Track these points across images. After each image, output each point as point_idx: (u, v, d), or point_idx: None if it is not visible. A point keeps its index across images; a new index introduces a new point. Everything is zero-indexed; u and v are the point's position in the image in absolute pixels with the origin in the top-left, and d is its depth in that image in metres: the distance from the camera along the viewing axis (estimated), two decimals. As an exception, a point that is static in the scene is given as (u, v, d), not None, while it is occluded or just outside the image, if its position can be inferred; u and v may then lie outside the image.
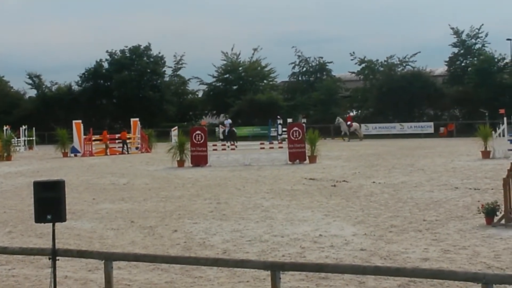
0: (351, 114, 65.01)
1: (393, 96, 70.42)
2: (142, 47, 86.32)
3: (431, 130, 66.71)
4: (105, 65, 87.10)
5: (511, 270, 11.27)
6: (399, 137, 64.47)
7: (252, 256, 13.05)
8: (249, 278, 11.35)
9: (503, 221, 15.07)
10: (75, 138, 48.72)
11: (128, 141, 52.31)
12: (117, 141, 51.89)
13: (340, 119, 62.72)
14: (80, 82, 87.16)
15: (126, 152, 49.69)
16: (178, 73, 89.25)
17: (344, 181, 25.55)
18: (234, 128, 56.97)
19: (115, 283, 9.94)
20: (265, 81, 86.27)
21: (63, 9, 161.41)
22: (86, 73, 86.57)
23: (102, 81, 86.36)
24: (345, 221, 16.68)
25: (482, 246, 13.24)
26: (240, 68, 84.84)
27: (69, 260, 12.42)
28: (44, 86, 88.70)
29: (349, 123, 61.41)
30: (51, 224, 9.51)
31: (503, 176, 15.46)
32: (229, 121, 59.61)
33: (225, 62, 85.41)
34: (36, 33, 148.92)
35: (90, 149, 48.12)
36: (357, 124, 62.61)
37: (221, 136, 60.08)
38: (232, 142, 46.70)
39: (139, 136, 52.16)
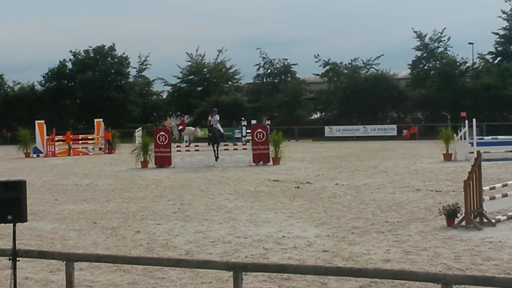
0: (185, 118, 61.50)
1: (357, 99, 70.88)
2: (106, 47, 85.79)
3: (394, 133, 67.23)
4: (69, 65, 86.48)
5: (471, 271, 11.40)
6: (363, 139, 64.86)
7: (215, 257, 13.05)
8: (212, 279, 11.35)
9: (463, 223, 15.24)
10: (38, 138, 48.29)
11: (91, 141, 52.05)
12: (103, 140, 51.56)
13: (172, 123, 60.95)
14: (43, 82, 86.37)
15: (110, 152, 49.66)
16: (142, 74, 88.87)
17: (307, 182, 25.65)
18: (219, 127, 36.80)
19: (76, 284, 9.88)
20: (229, 83, 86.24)
21: (25, 7, 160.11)
22: (49, 73, 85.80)
23: (65, 81, 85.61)
24: (308, 223, 16.74)
25: (443, 248, 13.38)
26: (204, 70, 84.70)
27: (30, 261, 12.32)
28: (6, 86, 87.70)
29: (181, 127, 58.32)
30: (11, 224, 9.43)
31: (464, 178, 15.63)
32: (216, 117, 37.46)
33: (189, 63, 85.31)
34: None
35: (53, 150, 47.74)
36: (192, 128, 58.78)
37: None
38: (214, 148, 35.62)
39: (102, 136, 51.83)
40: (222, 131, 37.01)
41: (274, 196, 21.98)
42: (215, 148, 35.49)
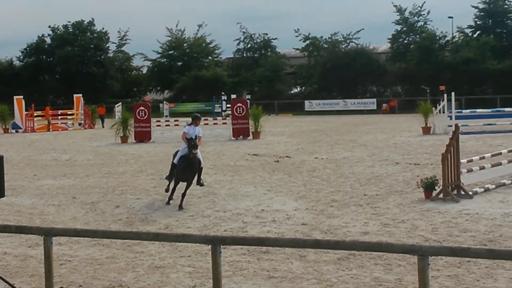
0: None
1: (337, 73, 70.93)
2: (85, 22, 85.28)
3: (374, 107, 67.42)
4: (48, 40, 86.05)
5: (448, 243, 11.52)
6: (343, 113, 65.04)
7: (194, 231, 13.09)
8: (191, 252, 11.39)
9: (441, 195, 15.37)
10: (16, 114, 48.00)
11: (70, 117, 51.85)
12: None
13: None
14: (21, 57, 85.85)
15: (102, 127, 49.40)
16: (122, 49, 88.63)
17: (287, 156, 25.71)
18: (199, 156, 16.89)
19: (55, 259, 9.87)
20: (209, 58, 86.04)
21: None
22: (28, 49, 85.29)
23: (44, 57, 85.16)
24: (287, 196, 16.82)
25: (421, 220, 13.49)
26: (184, 45, 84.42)
27: (8, 236, 12.32)
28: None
29: None
30: (-11, 199, 9.42)
31: (442, 152, 15.74)
32: (199, 131, 17.94)
33: (169, 38, 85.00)
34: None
35: (32, 125, 47.48)
36: None
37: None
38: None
39: (82, 112, 51.55)
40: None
41: (254, 170, 22.03)
42: (174, 187, 16.58)
